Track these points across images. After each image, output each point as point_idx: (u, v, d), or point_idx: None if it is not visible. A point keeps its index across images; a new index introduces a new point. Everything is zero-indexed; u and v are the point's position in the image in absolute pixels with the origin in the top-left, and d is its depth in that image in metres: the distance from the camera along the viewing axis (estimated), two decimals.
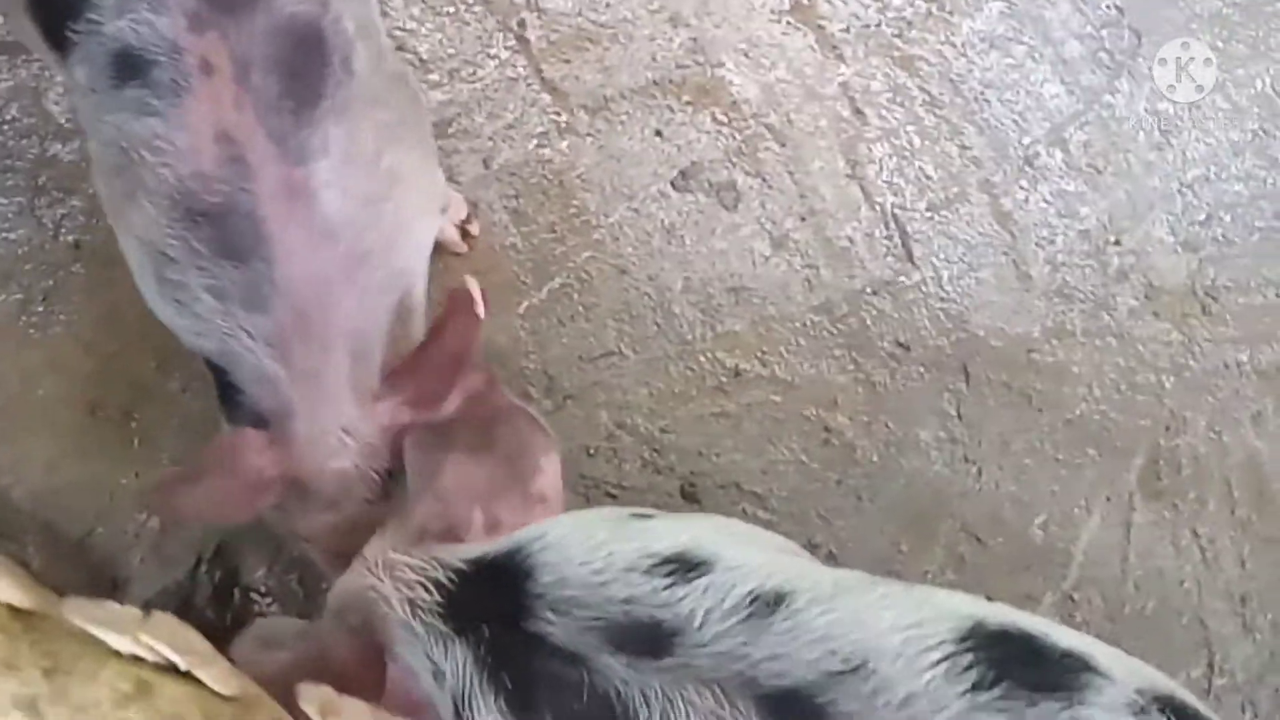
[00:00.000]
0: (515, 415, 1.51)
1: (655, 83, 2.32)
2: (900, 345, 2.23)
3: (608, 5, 2.35)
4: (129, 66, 1.42)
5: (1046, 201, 2.31)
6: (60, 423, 2.12)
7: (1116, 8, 2.40)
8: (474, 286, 1.57)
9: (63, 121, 2.21)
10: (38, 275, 2.16)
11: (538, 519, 1.41)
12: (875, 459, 2.19)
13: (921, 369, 2.23)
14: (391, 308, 1.60)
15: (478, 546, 1.36)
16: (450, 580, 1.33)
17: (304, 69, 1.45)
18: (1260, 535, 2.18)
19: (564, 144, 2.28)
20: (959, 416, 2.21)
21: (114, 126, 1.47)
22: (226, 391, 1.57)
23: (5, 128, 2.21)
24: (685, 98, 2.32)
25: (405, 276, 1.63)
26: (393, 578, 1.34)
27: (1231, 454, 2.22)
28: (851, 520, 2.16)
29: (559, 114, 2.29)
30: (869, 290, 2.26)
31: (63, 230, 2.17)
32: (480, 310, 1.56)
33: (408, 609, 1.32)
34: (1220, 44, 2.41)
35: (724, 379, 2.21)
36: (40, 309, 2.15)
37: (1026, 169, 2.32)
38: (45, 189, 2.19)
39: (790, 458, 2.18)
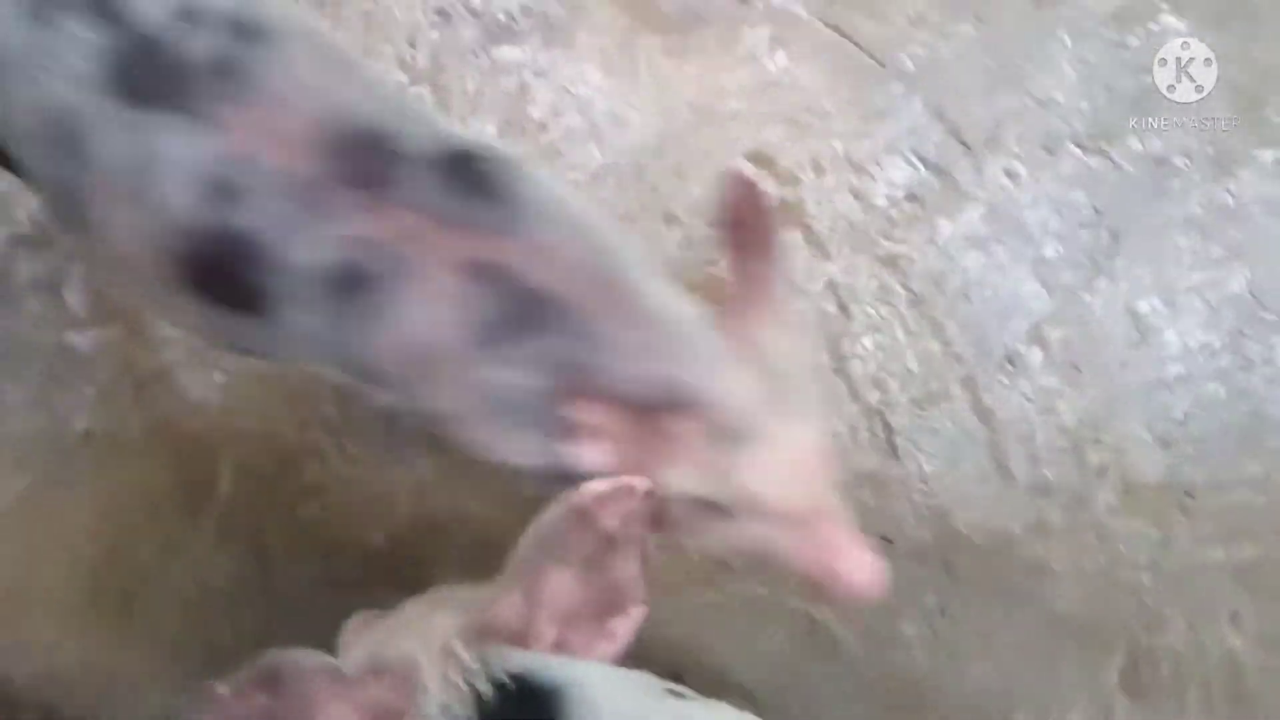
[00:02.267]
0: (633, 552, 1.51)
1: None
2: (883, 539, 2.28)
3: (603, 202, 2.44)
4: (343, 283, 1.50)
5: (1027, 398, 2.37)
6: (63, 606, 2.18)
7: (1094, 209, 2.49)
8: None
9: (79, 313, 2.30)
10: (48, 461, 2.24)
11: (597, 654, 1.44)
12: (859, 652, 2.23)
13: (904, 562, 2.27)
14: None
15: (529, 659, 1.38)
16: (488, 696, 1.33)
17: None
18: None
19: None
20: (941, 611, 2.25)
21: (380, 343, 1.54)
22: None
23: (24, 318, 2.30)
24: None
25: None
26: (443, 667, 1.36)
27: (1210, 654, 2.24)
28: (835, 713, 2.19)
29: None
30: (853, 484, 2.31)
31: (74, 418, 2.25)
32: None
33: (438, 710, 1.34)
34: (1196, 246, 2.49)
35: (712, 571, 2.26)
36: (49, 494, 2.22)
37: (1007, 366, 2.39)
38: (59, 378, 2.27)
39: (776, 650, 2.22)
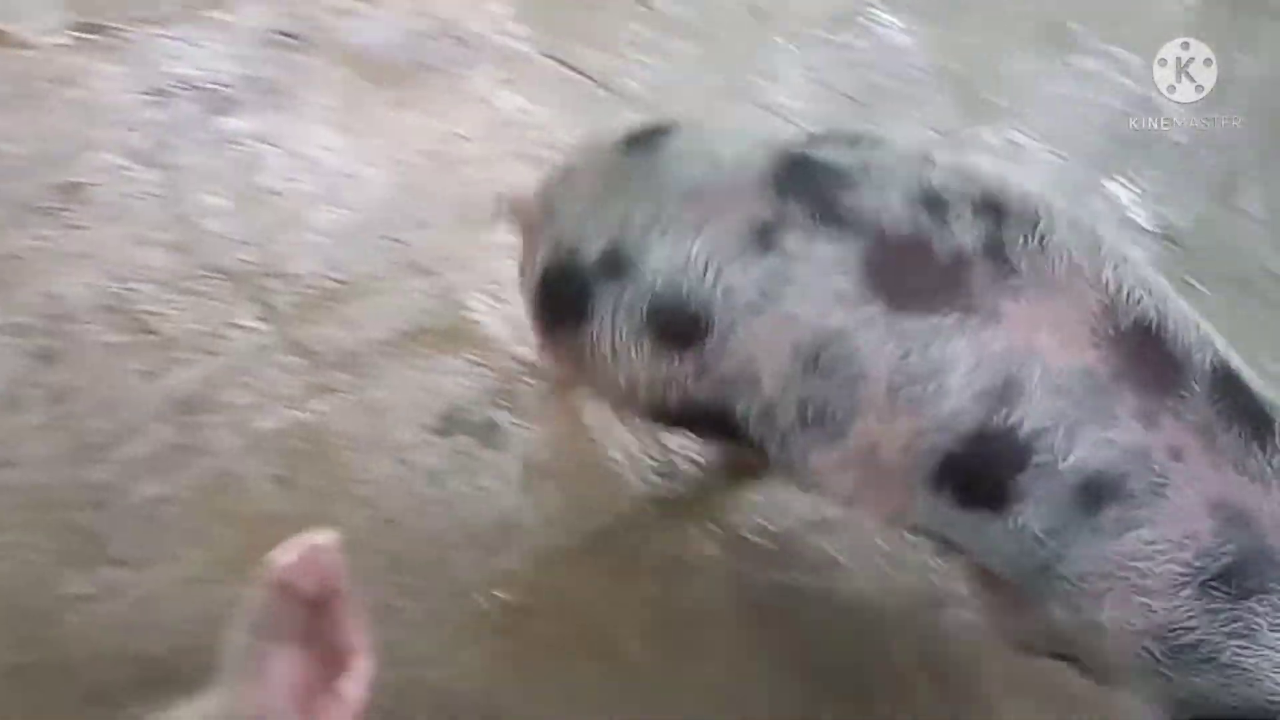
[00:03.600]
0: (343, 609, 1.44)
1: (405, 333, 2.37)
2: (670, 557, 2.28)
3: (349, 262, 2.40)
4: (1096, 492, 1.40)
5: None
6: None
7: None
8: None
9: None
10: None
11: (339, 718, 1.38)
12: (661, 676, 2.19)
13: None
14: None
15: None
16: None
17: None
18: None
19: (320, 404, 2.30)
20: None
21: (1095, 557, 1.44)
22: None
23: None
24: (436, 343, 2.37)
25: None
26: None
27: None
28: None
29: (311, 375, 2.32)
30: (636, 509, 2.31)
31: None
32: None
33: None
34: None
35: (505, 617, 2.22)
36: None
37: None
38: None
39: (585, 683, 2.17)
